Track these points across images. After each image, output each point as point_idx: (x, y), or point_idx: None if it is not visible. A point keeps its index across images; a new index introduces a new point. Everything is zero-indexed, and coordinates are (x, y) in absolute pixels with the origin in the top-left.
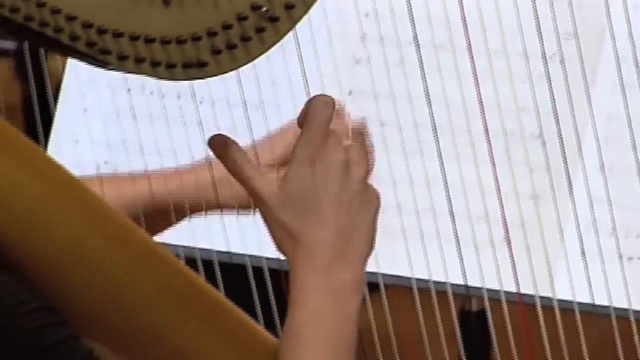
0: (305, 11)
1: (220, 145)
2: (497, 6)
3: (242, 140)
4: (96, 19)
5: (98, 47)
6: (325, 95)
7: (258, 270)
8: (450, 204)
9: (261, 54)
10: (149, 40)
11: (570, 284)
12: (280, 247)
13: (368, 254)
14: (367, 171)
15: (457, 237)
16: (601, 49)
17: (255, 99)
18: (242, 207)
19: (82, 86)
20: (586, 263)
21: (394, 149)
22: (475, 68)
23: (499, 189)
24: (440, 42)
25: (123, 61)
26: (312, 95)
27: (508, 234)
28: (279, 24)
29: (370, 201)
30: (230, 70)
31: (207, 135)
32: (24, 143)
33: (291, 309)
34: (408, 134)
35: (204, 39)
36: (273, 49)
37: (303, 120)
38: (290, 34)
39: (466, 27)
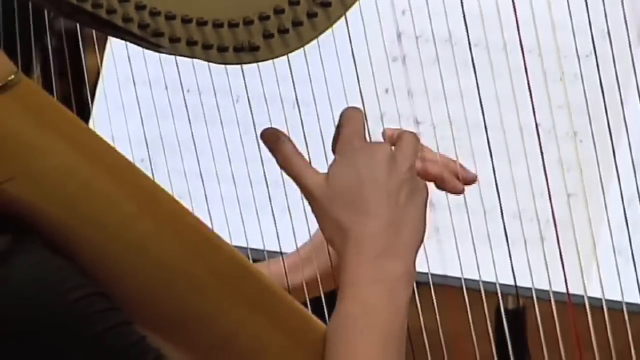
0: None
1: (271, 139)
2: (531, 4)
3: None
4: (149, 2)
5: (151, 29)
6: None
7: None
8: (482, 201)
9: (312, 39)
10: (201, 23)
11: (601, 282)
12: (331, 242)
13: (418, 245)
14: (413, 161)
15: (489, 235)
16: (636, 48)
17: (291, 97)
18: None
19: (120, 83)
20: (617, 262)
21: (429, 147)
22: (509, 65)
23: (548, 186)
24: (475, 39)
25: (175, 44)
26: (347, 93)
27: (557, 231)
28: (330, 9)
29: (418, 190)
30: (282, 54)
31: (244, 134)
32: (76, 124)
33: (341, 301)
34: (443, 131)
35: (256, 23)
36: (319, 38)
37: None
38: (329, 31)
39: (501, 23)
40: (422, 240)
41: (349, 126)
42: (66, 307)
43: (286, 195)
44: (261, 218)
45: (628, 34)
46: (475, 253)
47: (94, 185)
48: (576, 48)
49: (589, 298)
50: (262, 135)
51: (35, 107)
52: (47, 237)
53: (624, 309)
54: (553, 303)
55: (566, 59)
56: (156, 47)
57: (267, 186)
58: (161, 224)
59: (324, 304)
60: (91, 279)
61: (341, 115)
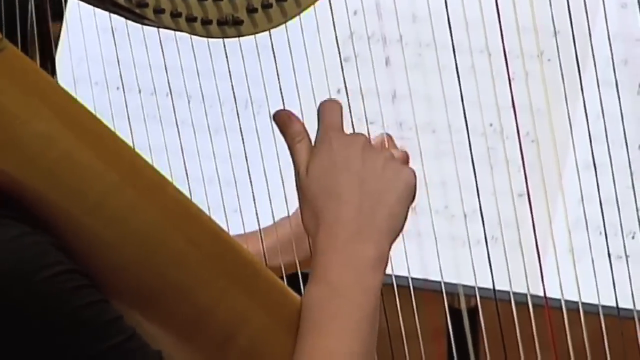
0: None
1: (282, 119)
2: (480, 5)
3: (231, 139)
4: None
5: (136, 0)
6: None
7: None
8: (446, 203)
9: (296, 15)
10: None
11: (559, 282)
12: (306, 227)
13: (396, 230)
14: (391, 154)
15: (451, 236)
16: (591, 47)
17: (244, 98)
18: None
19: (70, 84)
20: (574, 261)
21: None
22: (456, 65)
23: (494, 186)
24: (426, 40)
25: (159, 15)
26: (300, 93)
27: (495, 233)
28: None
29: (399, 178)
30: (265, 29)
31: (197, 134)
32: (58, 91)
33: (312, 283)
34: (393, 132)
35: None
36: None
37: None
38: (281, 29)
39: (449, 23)
40: (401, 227)
41: (327, 117)
42: (43, 283)
43: (238, 195)
44: (214, 218)
45: (573, 34)
46: (438, 254)
47: (75, 154)
48: (538, 46)
49: (546, 298)
50: (274, 115)
51: (21, 72)
52: (27, 209)
53: (580, 308)
54: (513, 304)
55: (516, 59)
56: (141, 19)
57: (220, 185)
58: (142, 194)
59: (300, 278)
60: (70, 253)
61: (320, 107)
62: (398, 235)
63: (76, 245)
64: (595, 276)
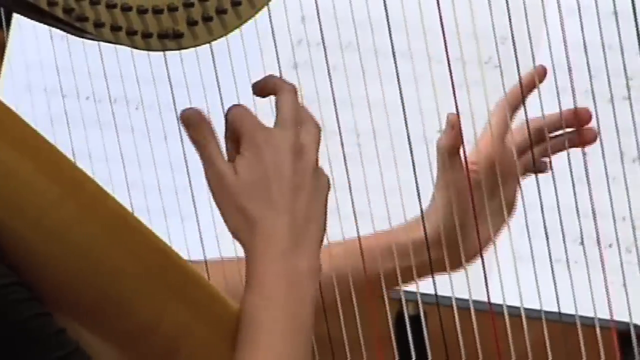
0: None
1: (191, 117)
2: (419, 9)
3: (173, 145)
4: None
5: (75, 14)
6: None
7: None
8: (387, 207)
9: (236, 27)
10: (125, 9)
11: (503, 288)
12: (235, 233)
13: (322, 240)
14: (317, 153)
15: None
16: (536, 54)
17: (185, 104)
18: None
19: (10, 92)
20: (518, 267)
21: (333, 153)
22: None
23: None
24: (378, 46)
25: (100, 29)
26: (241, 100)
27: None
28: None
29: (322, 187)
30: (206, 42)
31: (139, 141)
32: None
33: (247, 292)
34: (344, 138)
35: (180, 10)
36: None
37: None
38: (224, 38)
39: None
40: (324, 234)
41: (246, 122)
42: None
43: (178, 202)
44: (155, 224)
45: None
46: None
47: (14, 168)
48: (478, 53)
49: (490, 304)
50: (182, 114)
51: None
52: None
53: (523, 314)
54: (456, 310)
55: (467, 64)
56: (81, 33)
57: (160, 193)
58: (83, 207)
59: None
60: (12, 267)
61: (229, 116)
62: (322, 244)
63: (18, 259)
64: (537, 282)
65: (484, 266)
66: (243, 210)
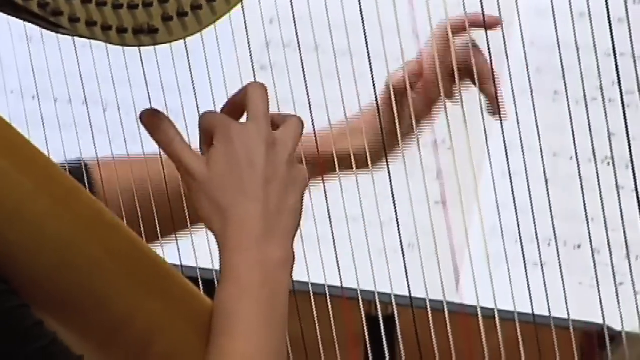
0: None
1: (151, 118)
2: (396, 10)
3: (145, 146)
4: None
5: (50, 8)
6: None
7: None
8: (361, 209)
9: (211, 23)
10: (100, 4)
11: (475, 289)
12: (208, 223)
13: (296, 231)
14: (295, 147)
15: (368, 242)
16: (508, 50)
17: (160, 105)
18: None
19: None
20: (491, 268)
21: None
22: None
23: (407, 194)
24: (340, 47)
25: (75, 24)
26: (216, 101)
27: (417, 239)
28: None
29: (298, 180)
30: (181, 38)
31: (114, 142)
32: None
33: (222, 283)
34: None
35: (155, 5)
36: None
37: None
38: (197, 37)
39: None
40: (299, 225)
41: (217, 118)
42: None
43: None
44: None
45: (488, 42)
46: (354, 261)
47: None
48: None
49: (462, 305)
50: (141, 116)
51: None
52: None
53: (496, 315)
54: (429, 311)
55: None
56: (56, 28)
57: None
58: (57, 202)
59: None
60: None
61: (202, 120)
62: (295, 235)
63: None
64: (511, 283)
65: (456, 267)
66: (214, 199)
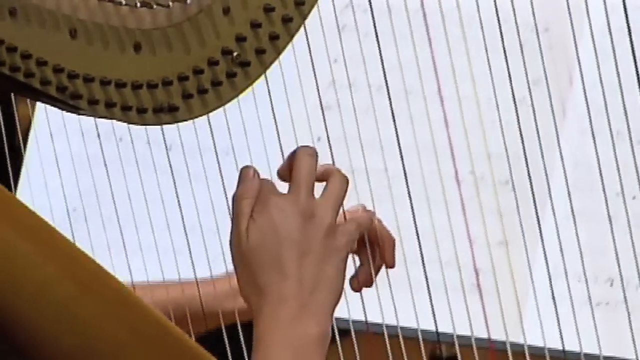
0: (276, 57)
1: (243, 175)
2: (466, 52)
3: (213, 186)
4: (67, 64)
5: (69, 92)
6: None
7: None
8: (421, 250)
9: (232, 98)
10: (120, 85)
11: (540, 329)
12: (245, 296)
13: (335, 304)
14: (336, 215)
15: (427, 282)
16: (570, 95)
17: (225, 145)
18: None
19: (52, 132)
20: (556, 308)
21: (363, 195)
22: (445, 114)
23: (468, 234)
24: (410, 88)
25: (94, 106)
26: (282, 141)
27: (478, 279)
28: (249, 68)
29: (337, 250)
30: (201, 115)
31: (178, 181)
32: None
33: (253, 356)
34: (378, 180)
35: (175, 84)
36: (243, 94)
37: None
38: (261, 79)
39: (436, 73)
40: (339, 300)
41: (264, 180)
42: None
43: (221, 242)
44: (196, 265)
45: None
46: (413, 300)
47: (13, 248)
48: (511, 94)
49: (529, 347)
50: (240, 170)
51: None
52: None
53: (565, 357)
54: (476, 350)
55: (500, 105)
56: (75, 110)
57: (202, 234)
58: (82, 285)
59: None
60: (10, 344)
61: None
62: (335, 308)
63: (16, 335)
64: (576, 322)
65: (518, 307)
66: (252, 273)
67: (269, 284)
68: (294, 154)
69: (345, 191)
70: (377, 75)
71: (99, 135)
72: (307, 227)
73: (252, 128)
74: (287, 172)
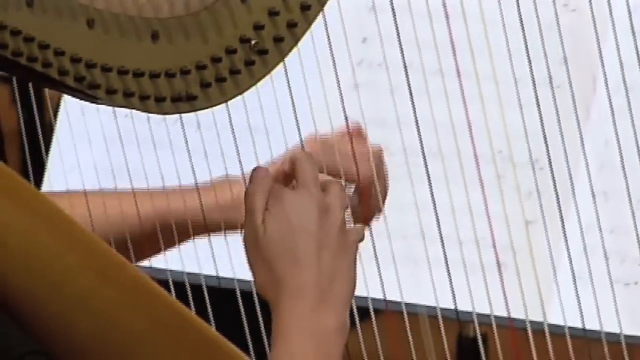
0: (294, 44)
1: (254, 174)
2: (486, 30)
3: (231, 166)
4: (84, 54)
5: (87, 82)
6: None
7: (247, 295)
8: (440, 228)
9: (250, 87)
10: (137, 74)
11: (561, 308)
12: (262, 290)
13: (351, 296)
14: (344, 213)
15: (447, 262)
16: (595, 75)
17: (260, 125)
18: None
19: (83, 110)
20: (576, 287)
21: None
22: (463, 91)
23: (489, 213)
24: (430, 66)
25: (112, 95)
26: (300, 121)
27: (498, 257)
28: (267, 56)
29: (349, 247)
30: (219, 103)
31: (195, 161)
32: (12, 178)
33: (274, 350)
34: (399, 158)
35: (193, 73)
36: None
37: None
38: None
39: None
40: (353, 292)
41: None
42: None
43: None
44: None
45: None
46: (433, 279)
47: (34, 239)
48: (533, 74)
49: (549, 325)
50: (252, 171)
51: None
52: None
53: (585, 335)
54: (496, 329)
55: (524, 84)
56: (93, 99)
57: None
58: (101, 275)
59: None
60: (31, 332)
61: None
62: (351, 300)
63: (39, 325)
64: (597, 303)
65: (539, 288)
66: (269, 266)
67: (288, 275)
68: (286, 159)
69: (345, 194)
70: (396, 54)
71: (126, 115)
72: (322, 221)
73: (270, 108)
74: (282, 175)
